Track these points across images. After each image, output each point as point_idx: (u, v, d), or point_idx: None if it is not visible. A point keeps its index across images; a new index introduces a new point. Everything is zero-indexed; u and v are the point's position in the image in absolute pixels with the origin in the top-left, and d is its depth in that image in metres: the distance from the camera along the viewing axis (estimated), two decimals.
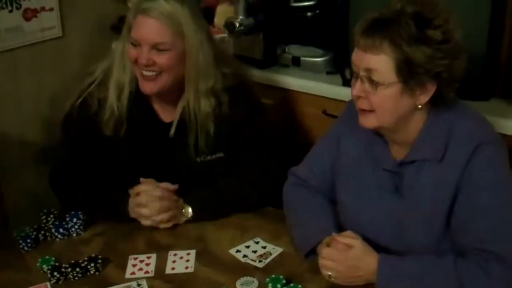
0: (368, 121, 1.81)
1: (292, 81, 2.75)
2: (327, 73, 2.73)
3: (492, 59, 2.31)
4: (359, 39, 1.75)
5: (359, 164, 1.95)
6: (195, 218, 2.14)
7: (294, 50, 2.81)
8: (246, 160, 2.22)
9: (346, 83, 2.50)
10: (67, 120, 2.27)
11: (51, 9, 2.76)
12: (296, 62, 2.77)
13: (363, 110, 1.80)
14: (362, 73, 1.76)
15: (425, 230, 1.82)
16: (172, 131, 2.20)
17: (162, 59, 2.09)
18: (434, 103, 1.79)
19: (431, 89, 1.75)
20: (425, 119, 1.81)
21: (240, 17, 2.73)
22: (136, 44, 2.10)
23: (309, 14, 2.72)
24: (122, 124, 2.20)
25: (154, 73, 2.11)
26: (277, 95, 2.78)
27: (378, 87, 1.74)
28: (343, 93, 2.44)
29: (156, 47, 2.08)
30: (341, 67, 2.59)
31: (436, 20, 1.71)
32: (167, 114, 2.24)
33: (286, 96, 2.78)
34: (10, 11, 2.62)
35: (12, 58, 2.68)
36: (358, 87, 1.78)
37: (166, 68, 2.11)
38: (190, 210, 2.14)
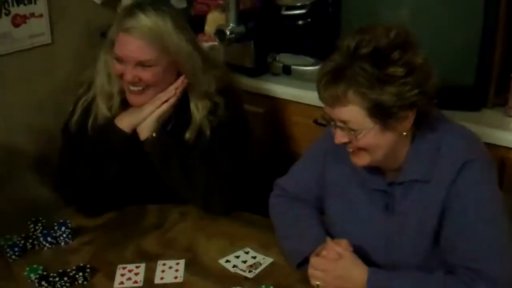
0: (361, 160, 1.79)
1: (283, 90, 2.74)
2: None
3: (484, 70, 2.31)
4: (323, 94, 1.72)
5: (347, 183, 1.93)
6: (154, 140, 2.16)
7: (285, 58, 2.80)
8: (217, 159, 2.21)
9: None
10: (66, 127, 2.27)
11: (40, 16, 2.75)
12: (287, 70, 2.77)
13: (353, 151, 1.79)
14: (338, 123, 1.74)
15: (413, 248, 1.81)
16: (188, 135, 2.20)
17: (147, 75, 2.10)
18: (418, 125, 1.77)
19: (411, 116, 1.72)
20: (410, 142, 1.80)
21: (231, 25, 2.72)
22: (120, 60, 2.10)
23: (300, 22, 2.72)
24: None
25: (140, 88, 2.12)
26: (267, 104, 2.78)
27: (358, 135, 1.72)
28: None
29: (140, 64, 2.08)
30: None
31: (394, 54, 1.66)
32: None
33: (276, 105, 2.77)
34: None
35: (0, 65, 2.66)
36: (339, 134, 1.76)
37: (152, 83, 2.12)
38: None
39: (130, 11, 2.08)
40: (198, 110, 2.19)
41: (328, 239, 1.84)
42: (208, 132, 2.19)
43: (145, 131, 2.16)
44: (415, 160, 1.78)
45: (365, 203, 1.89)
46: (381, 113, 1.68)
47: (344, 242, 1.82)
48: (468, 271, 1.69)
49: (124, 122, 2.16)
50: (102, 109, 2.20)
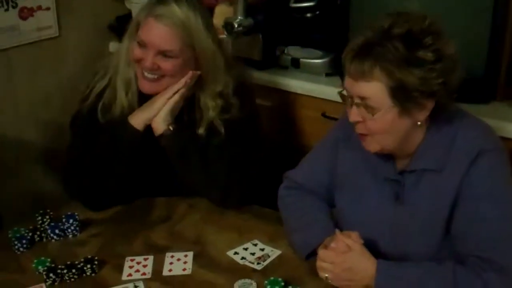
0: (371, 146, 1.79)
1: (291, 83, 2.73)
2: (327, 75, 2.71)
3: (494, 62, 2.30)
4: (349, 67, 1.72)
5: (358, 173, 1.93)
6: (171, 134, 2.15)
7: (293, 51, 2.79)
8: (234, 154, 2.19)
9: None
10: (78, 117, 2.26)
11: (48, 8, 2.75)
12: (295, 63, 2.76)
13: (363, 135, 1.79)
14: (356, 100, 1.74)
15: (424, 238, 1.81)
16: (200, 131, 2.19)
17: (167, 65, 2.09)
18: (434, 116, 1.77)
19: (430, 106, 1.72)
20: (425, 133, 1.79)
21: (239, 17, 2.71)
22: (142, 45, 2.08)
23: (309, 15, 2.70)
24: None
25: (156, 76, 2.11)
26: (275, 97, 2.77)
27: (375, 114, 1.71)
28: None
29: (162, 53, 2.07)
30: (341, 69, 2.56)
31: (426, 39, 1.67)
32: None
33: (285, 98, 2.76)
34: (6, 10, 2.61)
35: (7, 58, 2.67)
36: (354, 113, 1.75)
37: (170, 73, 2.11)
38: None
39: (165, 1, 2.06)
40: (208, 108, 2.17)
41: (337, 231, 1.84)
42: (222, 130, 2.18)
43: (160, 124, 2.13)
44: (428, 150, 1.78)
45: (375, 193, 1.89)
46: (402, 95, 1.67)
47: (354, 235, 1.81)
48: (478, 260, 1.68)
49: (137, 119, 2.14)
50: (120, 95, 2.18)
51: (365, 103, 1.71)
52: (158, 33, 2.05)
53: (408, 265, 1.76)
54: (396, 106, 1.69)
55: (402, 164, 1.85)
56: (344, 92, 1.79)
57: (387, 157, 1.86)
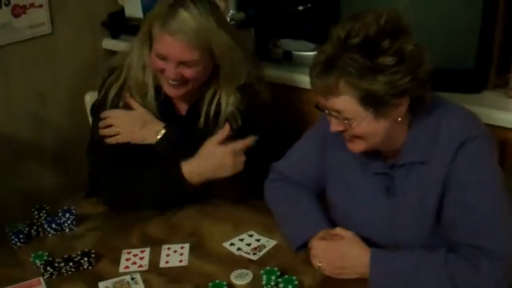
0: (356, 146, 1.80)
1: (284, 76, 2.72)
2: None
3: (485, 52, 2.31)
4: (316, 85, 1.73)
5: (347, 168, 1.94)
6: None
7: (285, 44, 2.79)
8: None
9: None
10: (98, 107, 2.26)
11: (40, 6, 2.75)
12: (287, 56, 2.76)
13: (349, 138, 1.80)
14: (333, 113, 1.75)
15: (416, 228, 1.82)
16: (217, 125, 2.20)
17: (189, 73, 2.09)
18: (414, 110, 1.77)
19: (405, 102, 1.72)
20: (408, 126, 1.80)
21: (231, 11, 2.71)
22: (162, 58, 2.08)
23: (300, 8, 2.71)
24: None
25: (180, 82, 2.12)
26: (268, 90, 2.77)
27: (352, 124, 1.72)
28: None
29: (184, 63, 2.07)
30: None
31: (383, 43, 1.65)
32: (183, 107, 2.26)
33: (278, 91, 2.76)
34: None
35: (1, 55, 2.67)
36: (334, 123, 1.77)
37: (194, 79, 2.12)
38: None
39: (174, 11, 2.03)
40: (228, 103, 2.18)
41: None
42: (239, 122, 2.18)
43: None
44: (413, 144, 1.79)
45: (366, 187, 1.90)
46: (373, 102, 1.68)
47: (338, 228, 1.86)
48: (470, 249, 1.69)
49: (193, 176, 2.13)
50: (136, 98, 2.19)
51: (341, 115, 1.73)
52: (176, 47, 2.04)
53: (402, 252, 1.78)
54: (371, 112, 1.70)
55: (391, 158, 1.86)
56: (320, 105, 1.80)
57: (376, 154, 1.87)
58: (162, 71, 2.10)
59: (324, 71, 1.69)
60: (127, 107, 2.20)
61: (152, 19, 2.10)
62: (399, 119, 1.75)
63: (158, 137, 2.15)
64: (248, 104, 2.20)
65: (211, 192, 2.19)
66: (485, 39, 2.29)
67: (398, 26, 1.69)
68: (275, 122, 2.35)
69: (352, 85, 1.66)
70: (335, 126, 1.77)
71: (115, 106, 2.21)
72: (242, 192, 2.19)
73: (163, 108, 2.22)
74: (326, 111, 1.77)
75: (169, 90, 2.15)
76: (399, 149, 1.82)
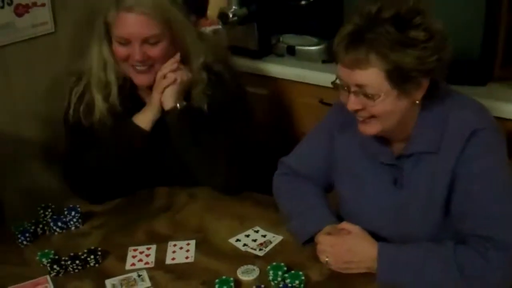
0: (371, 128, 1.79)
1: (288, 71, 2.73)
2: (323, 61, 2.71)
3: (490, 44, 2.30)
4: (343, 57, 1.71)
5: (355, 159, 1.94)
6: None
7: (288, 39, 2.79)
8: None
9: None
10: (66, 119, 2.29)
11: (43, 5, 2.74)
12: (291, 51, 2.76)
13: (363, 120, 1.79)
14: (354, 89, 1.73)
15: (425, 220, 1.82)
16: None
17: (155, 51, 2.10)
18: (427, 96, 1.77)
19: (425, 84, 1.73)
20: (418, 114, 1.80)
21: (234, 7, 2.71)
22: (124, 43, 2.09)
23: (303, 2, 2.71)
24: (115, 118, 2.20)
25: (146, 67, 2.12)
26: (272, 85, 2.77)
27: (375, 100, 1.71)
28: None
29: (147, 41, 2.08)
30: None
31: (415, 19, 1.67)
32: (149, 98, 2.23)
33: (281, 86, 2.77)
34: (2, 7, 2.60)
35: (3, 55, 2.66)
36: (353, 101, 1.75)
37: (160, 59, 2.11)
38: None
39: None
40: (198, 82, 2.18)
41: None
42: (205, 106, 2.18)
43: (168, 101, 2.15)
44: (423, 132, 1.79)
45: (374, 179, 1.90)
46: (400, 77, 1.68)
47: (344, 223, 1.86)
48: (479, 239, 1.69)
49: (143, 121, 2.16)
50: (97, 100, 2.19)
51: (363, 91, 1.71)
52: (135, 23, 2.06)
53: (410, 245, 1.77)
54: (395, 89, 1.70)
55: (398, 148, 1.85)
56: (338, 81, 1.79)
57: (384, 142, 1.87)
58: (126, 58, 2.10)
59: (354, 43, 1.68)
60: (88, 111, 2.20)
61: (104, 11, 2.14)
62: (417, 101, 1.75)
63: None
64: (216, 92, 2.19)
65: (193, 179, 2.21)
66: (490, 30, 2.29)
67: (426, 7, 1.71)
68: (276, 118, 2.34)
69: (382, 56, 1.66)
70: (354, 104, 1.75)
71: (77, 111, 2.21)
72: (222, 180, 2.18)
73: (128, 102, 2.21)
74: (345, 88, 1.76)
75: (138, 78, 2.15)
76: (407, 137, 1.81)
